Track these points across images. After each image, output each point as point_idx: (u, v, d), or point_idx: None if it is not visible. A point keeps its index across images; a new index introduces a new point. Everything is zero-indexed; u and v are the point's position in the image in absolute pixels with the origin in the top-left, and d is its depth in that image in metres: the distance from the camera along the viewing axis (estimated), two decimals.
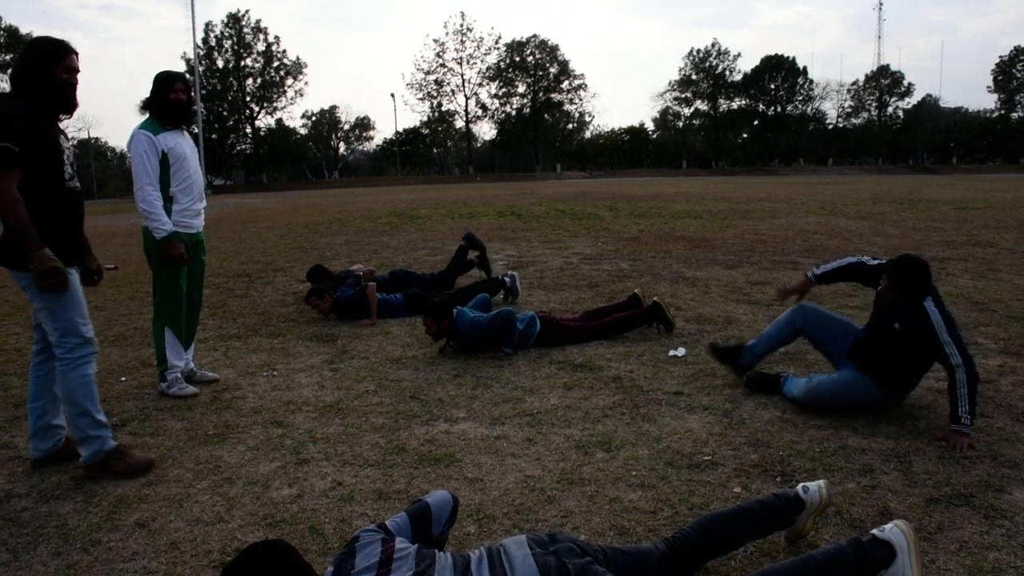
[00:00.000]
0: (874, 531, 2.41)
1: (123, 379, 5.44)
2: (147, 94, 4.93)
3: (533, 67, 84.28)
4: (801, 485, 2.79)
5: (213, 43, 75.90)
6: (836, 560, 2.32)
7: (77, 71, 3.70)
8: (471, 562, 2.32)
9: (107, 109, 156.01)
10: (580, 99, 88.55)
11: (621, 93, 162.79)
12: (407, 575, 2.22)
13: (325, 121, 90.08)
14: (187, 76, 5.25)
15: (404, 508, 2.65)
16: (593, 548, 2.41)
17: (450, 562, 2.31)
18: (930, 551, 2.75)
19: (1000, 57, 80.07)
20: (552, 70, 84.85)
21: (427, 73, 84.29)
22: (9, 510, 3.41)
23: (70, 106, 3.73)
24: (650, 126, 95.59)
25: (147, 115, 4.94)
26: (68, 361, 3.67)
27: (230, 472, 3.74)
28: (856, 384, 4.21)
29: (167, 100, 4.82)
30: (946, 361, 3.84)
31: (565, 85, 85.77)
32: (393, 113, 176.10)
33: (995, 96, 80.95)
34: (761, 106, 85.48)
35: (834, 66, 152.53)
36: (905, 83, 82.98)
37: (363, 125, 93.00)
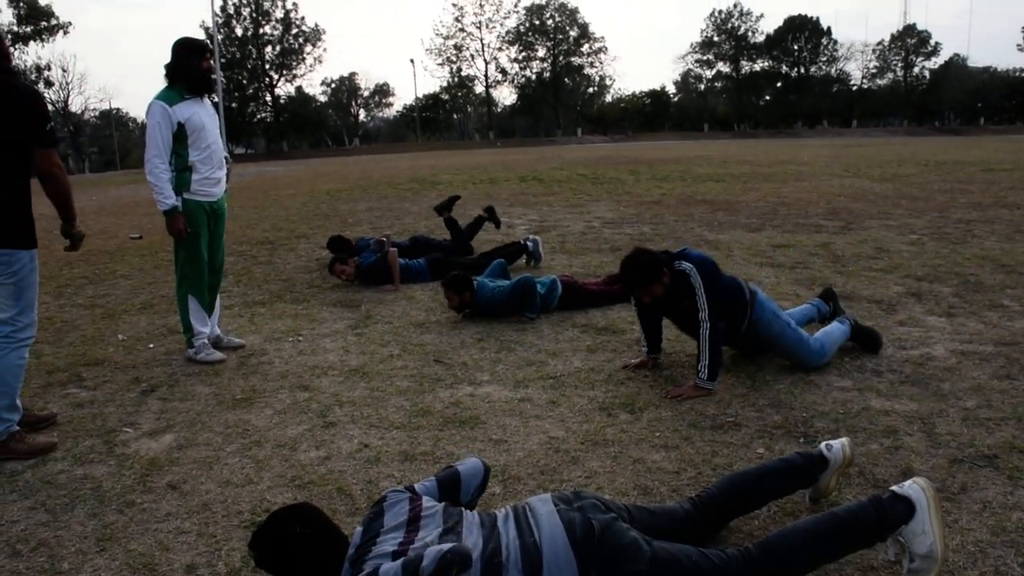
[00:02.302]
0: (893, 488, 2.42)
1: (151, 346, 5.52)
2: (166, 62, 4.89)
3: (553, 30, 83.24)
4: (824, 443, 2.79)
5: (231, 11, 75.45)
6: (857, 517, 2.34)
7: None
8: (497, 520, 2.36)
9: (126, 79, 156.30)
10: (600, 62, 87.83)
11: (642, 56, 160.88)
12: (435, 532, 2.26)
13: (345, 88, 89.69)
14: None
15: (433, 472, 2.69)
16: (617, 506, 2.44)
17: (477, 520, 2.35)
18: (953, 511, 2.76)
19: None
20: (572, 33, 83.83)
21: (446, 38, 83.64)
22: (46, 473, 3.49)
23: None
24: (671, 89, 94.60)
25: (166, 83, 4.90)
26: (13, 340, 3.68)
27: (258, 435, 3.80)
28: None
29: (199, 69, 4.82)
30: (697, 315, 4.05)
31: (585, 48, 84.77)
32: (413, 79, 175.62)
33: None
34: (784, 67, 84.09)
35: (859, 26, 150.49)
36: (932, 42, 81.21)
37: (382, 91, 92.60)
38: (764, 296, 4.39)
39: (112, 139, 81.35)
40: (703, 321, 4.04)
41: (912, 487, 2.39)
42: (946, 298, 5.78)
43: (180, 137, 4.79)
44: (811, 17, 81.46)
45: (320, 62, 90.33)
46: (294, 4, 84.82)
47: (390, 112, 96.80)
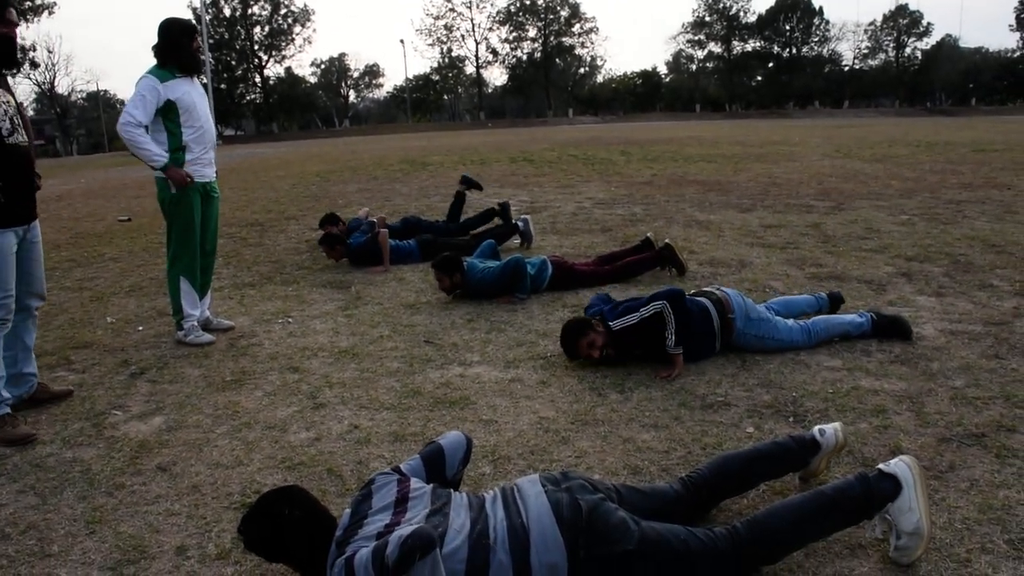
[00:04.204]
0: (880, 466, 2.43)
1: (140, 328, 5.50)
2: (154, 44, 4.86)
3: (543, 10, 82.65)
4: (817, 428, 2.79)
5: None
6: (844, 495, 2.35)
7: (15, 24, 3.71)
8: (485, 501, 2.36)
9: (114, 60, 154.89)
10: (592, 43, 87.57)
11: (633, 36, 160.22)
12: (423, 512, 2.27)
13: (334, 69, 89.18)
14: None
15: (418, 451, 2.69)
16: (606, 486, 2.45)
17: (465, 501, 2.36)
18: (941, 489, 2.78)
19: None
20: (563, 13, 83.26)
21: (436, 18, 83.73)
22: (35, 456, 3.48)
23: (11, 61, 3.78)
24: (663, 70, 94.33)
25: (156, 63, 4.86)
26: None
27: (248, 417, 3.80)
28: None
29: (189, 50, 4.81)
30: (657, 314, 4.05)
31: (576, 28, 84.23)
32: (403, 60, 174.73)
33: (1017, 35, 79.22)
34: (776, 48, 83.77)
35: (850, 6, 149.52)
36: (924, 23, 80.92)
37: (372, 72, 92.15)
38: (743, 308, 4.29)
39: (100, 121, 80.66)
40: (663, 308, 4.02)
41: (898, 465, 2.40)
42: (936, 278, 5.79)
43: (172, 116, 4.78)
44: None
45: (309, 43, 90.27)
46: None
47: (380, 93, 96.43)
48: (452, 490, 2.46)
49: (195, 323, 5.08)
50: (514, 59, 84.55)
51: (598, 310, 4.45)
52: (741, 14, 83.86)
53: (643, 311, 4.08)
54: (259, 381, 4.31)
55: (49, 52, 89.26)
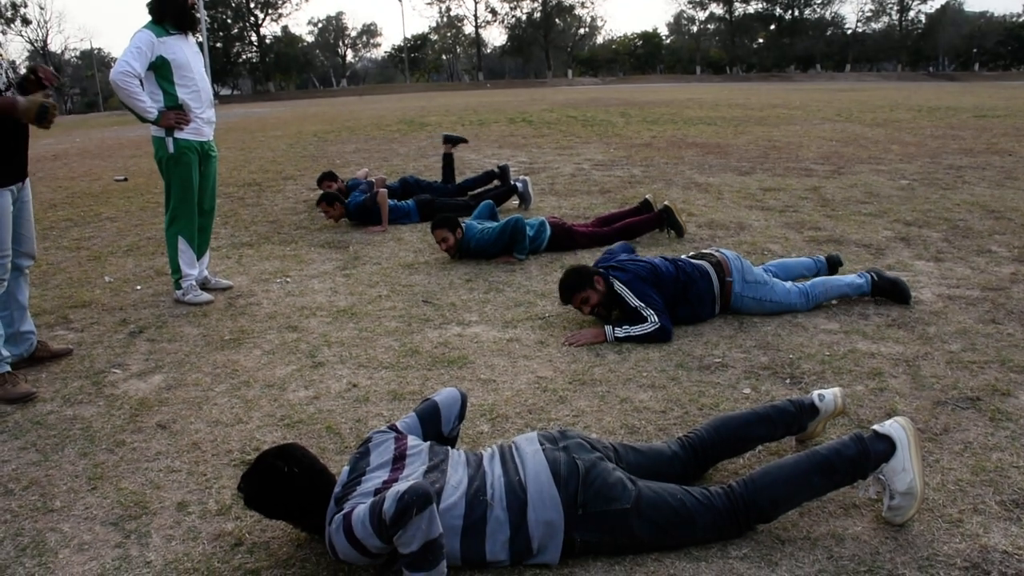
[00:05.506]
0: (875, 426, 2.45)
1: (138, 287, 5.50)
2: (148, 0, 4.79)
3: None
4: (817, 393, 2.80)
5: None
6: (839, 455, 2.37)
7: None
8: (483, 458, 2.39)
9: (108, 18, 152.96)
10: (592, 3, 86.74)
11: None
12: (420, 469, 2.29)
13: (331, 28, 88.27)
14: None
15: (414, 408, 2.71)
16: (604, 445, 2.47)
17: (463, 458, 2.38)
18: (935, 451, 2.80)
19: None
20: None
21: None
22: (36, 414, 3.50)
23: None
24: (664, 31, 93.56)
25: (151, 19, 4.80)
26: None
27: (247, 375, 3.81)
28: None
29: (184, 6, 4.74)
30: (640, 317, 4.03)
31: None
32: (401, 19, 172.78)
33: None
34: (778, 10, 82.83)
35: None
36: None
37: (370, 31, 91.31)
38: (741, 271, 4.30)
39: (94, 80, 79.86)
40: (648, 317, 4.01)
41: (893, 426, 2.42)
42: (935, 243, 5.79)
43: (165, 73, 4.72)
44: None
45: (306, 0, 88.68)
46: None
47: (378, 53, 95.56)
48: (449, 447, 2.48)
49: (193, 282, 5.08)
50: (513, 19, 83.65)
51: (609, 262, 4.42)
52: None
53: (639, 306, 4.05)
54: (258, 340, 4.32)
55: (41, 9, 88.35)
